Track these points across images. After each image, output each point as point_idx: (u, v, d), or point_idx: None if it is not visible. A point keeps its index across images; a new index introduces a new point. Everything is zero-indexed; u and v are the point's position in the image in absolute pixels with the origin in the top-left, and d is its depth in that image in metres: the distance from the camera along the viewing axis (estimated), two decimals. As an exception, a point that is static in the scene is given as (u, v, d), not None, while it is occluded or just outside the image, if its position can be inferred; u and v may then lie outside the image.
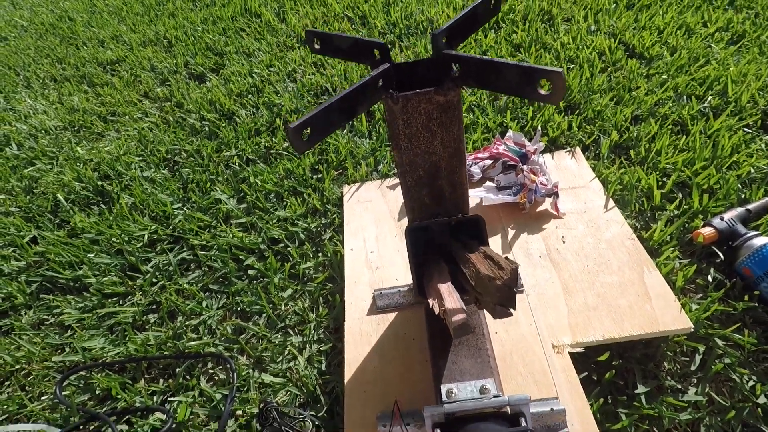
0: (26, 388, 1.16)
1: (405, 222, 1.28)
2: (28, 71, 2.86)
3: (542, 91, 0.51)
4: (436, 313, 0.55)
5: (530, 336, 0.95)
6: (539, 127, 1.34)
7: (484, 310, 0.88)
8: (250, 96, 2.06)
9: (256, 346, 1.12)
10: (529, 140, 1.31)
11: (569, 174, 1.31)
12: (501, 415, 0.66)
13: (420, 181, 0.71)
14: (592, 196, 1.23)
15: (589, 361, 0.94)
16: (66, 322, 1.27)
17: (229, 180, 1.61)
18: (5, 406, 1.11)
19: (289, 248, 1.32)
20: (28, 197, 1.75)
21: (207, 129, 1.90)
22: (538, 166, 1.25)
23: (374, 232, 1.28)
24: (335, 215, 1.39)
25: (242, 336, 1.16)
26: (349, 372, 0.97)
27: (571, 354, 0.92)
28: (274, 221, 1.42)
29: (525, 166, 1.24)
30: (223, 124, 1.90)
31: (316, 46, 0.79)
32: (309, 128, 0.53)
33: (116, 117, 2.15)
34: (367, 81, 0.58)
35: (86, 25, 3.38)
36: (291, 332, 1.14)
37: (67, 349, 1.21)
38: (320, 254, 1.30)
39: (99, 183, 1.72)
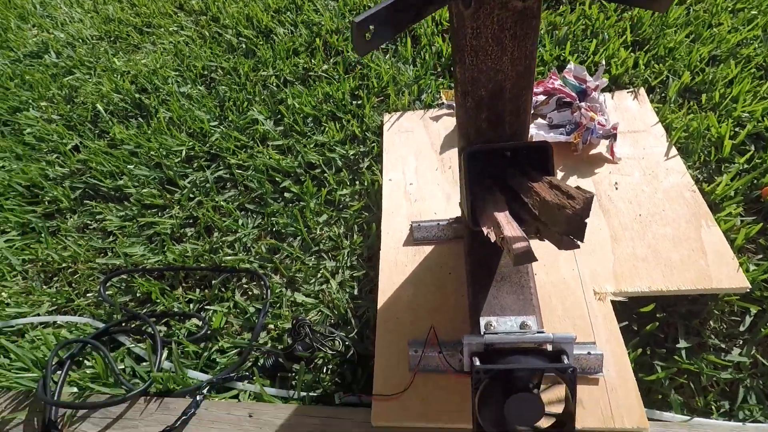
0: (73, 284, 1.21)
1: (447, 155, 1.23)
2: (63, -24, 2.79)
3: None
4: (492, 241, 0.52)
5: (572, 281, 0.92)
6: (603, 62, 1.23)
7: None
8: (288, 13, 1.96)
9: (290, 267, 1.13)
10: (591, 75, 1.21)
11: (629, 116, 1.21)
12: (541, 351, 0.64)
13: (480, 102, 0.65)
14: (652, 142, 1.14)
15: (631, 311, 0.91)
16: (108, 228, 1.30)
17: (266, 101, 1.57)
18: (54, 299, 1.17)
19: (325, 174, 1.29)
20: (68, 106, 1.76)
21: (244, 46, 1.83)
22: (598, 104, 1.15)
23: (414, 164, 1.23)
24: (374, 144, 1.35)
25: (276, 256, 1.16)
26: (382, 298, 0.97)
27: (613, 302, 0.89)
28: (312, 145, 1.38)
29: (583, 104, 1.15)
30: (261, 42, 1.83)
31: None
32: (373, 26, 0.48)
33: (152, 29, 2.09)
34: (438, -22, 0.52)
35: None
36: (325, 256, 1.14)
37: (110, 253, 1.25)
38: (357, 182, 1.27)
39: (137, 96, 1.71)
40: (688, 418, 0.79)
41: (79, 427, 0.93)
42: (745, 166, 1.09)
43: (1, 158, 1.60)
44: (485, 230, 0.55)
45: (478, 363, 0.60)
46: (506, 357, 0.63)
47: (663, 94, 1.28)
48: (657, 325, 0.87)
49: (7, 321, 1.13)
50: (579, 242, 0.47)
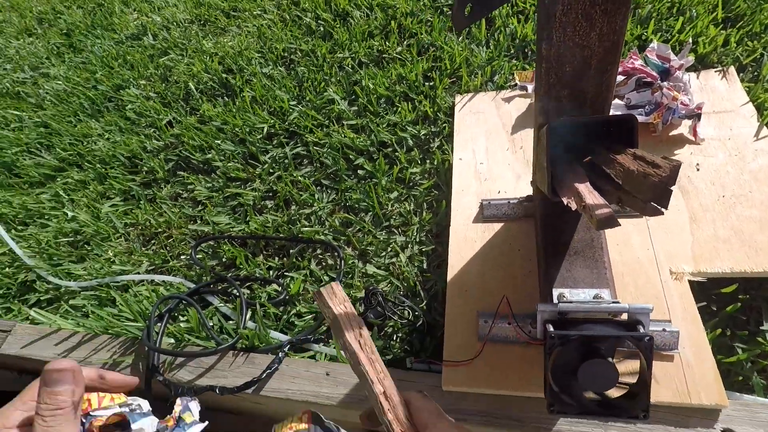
0: (167, 247, 1.35)
1: (519, 136, 1.24)
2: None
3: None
4: (573, 209, 0.55)
5: (646, 260, 0.91)
6: (689, 40, 1.18)
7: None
8: (364, -4, 2.00)
9: (362, 240, 1.20)
10: (676, 54, 1.16)
11: (716, 97, 1.15)
12: (615, 321, 0.65)
13: (563, 79, 0.67)
14: (740, 123, 1.08)
15: (710, 292, 0.89)
16: (198, 198, 1.43)
17: (341, 82, 1.63)
18: (152, 260, 1.32)
19: (397, 153, 1.34)
20: (163, 84, 1.92)
21: (322, 29, 1.90)
22: (682, 84, 1.11)
23: (484, 145, 1.25)
24: (445, 124, 1.37)
25: (349, 229, 1.23)
26: (451, 272, 1.01)
27: (690, 283, 0.88)
28: (384, 125, 1.43)
29: (665, 83, 1.11)
30: (338, 25, 1.89)
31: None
32: (470, 5, 0.51)
33: (237, 13, 2.22)
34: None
35: None
36: (395, 231, 1.20)
37: (199, 221, 1.38)
38: (427, 161, 1.31)
39: (223, 76, 1.83)
40: (773, 400, 0.78)
41: (177, 374, 1.04)
42: None
43: (107, 131, 1.79)
44: (565, 200, 0.57)
45: (551, 329, 0.63)
46: (579, 326, 0.65)
47: (756, 73, 1.21)
48: (739, 306, 0.85)
49: (114, 277, 1.29)
50: (663, 209, 0.49)
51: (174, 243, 1.35)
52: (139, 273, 1.31)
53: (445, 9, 1.79)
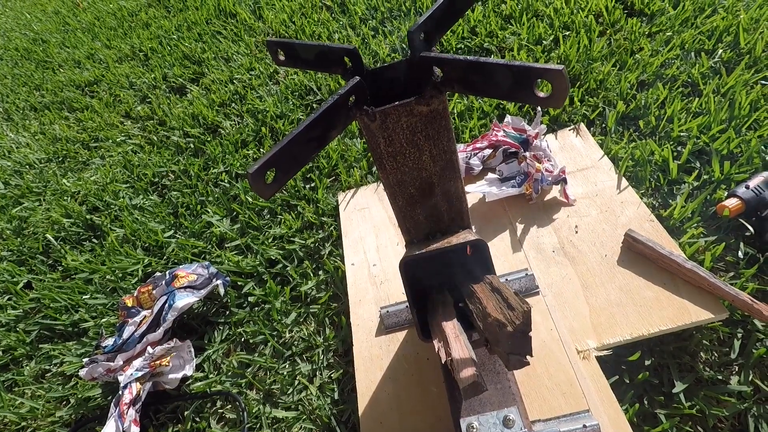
0: (33, 447, 1.11)
1: (406, 226, 1.21)
2: (7, 102, 2.79)
3: (541, 94, 0.43)
4: (443, 362, 0.48)
5: (552, 343, 0.88)
6: (539, 108, 1.25)
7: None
8: (233, 105, 1.97)
9: (264, 379, 1.07)
10: (529, 123, 1.22)
11: (576, 154, 1.21)
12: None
13: (412, 200, 0.63)
14: (602, 177, 1.14)
15: (619, 362, 0.87)
16: (68, 372, 1.22)
17: (219, 199, 1.54)
18: (13, 471, 1.07)
19: (287, 268, 1.25)
20: (18, 239, 1.70)
21: (192, 146, 1.83)
22: (542, 151, 1.16)
23: (374, 243, 1.20)
24: (332, 227, 1.32)
25: (249, 369, 1.10)
26: (362, 402, 0.91)
27: (599, 358, 0.85)
28: (270, 240, 1.35)
29: (527, 153, 1.15)
30: (209, 139, 1.82)
31: (281, 58, 0.70)
32: (273, 169, 0.45)
33: (99, 143, 2.08)
34: (336, 101, 0.50)
35: (60, 45, 3.28)
36: (299, 360, 1.08)
37: (72, 400, 1.16)
38: (321, 272, 1.23)
39: (88, 217, 1.66)
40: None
41: None
42: (695, 183, 1.09)
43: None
44: (436, 345, 0.51)
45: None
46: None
47: (603, 126, 1.30)
48: (648, 375, 0.83)
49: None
50: (528, 359, 0.44)
51: (41, 437, 1.12)
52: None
53: (314, 105, 1.80)
